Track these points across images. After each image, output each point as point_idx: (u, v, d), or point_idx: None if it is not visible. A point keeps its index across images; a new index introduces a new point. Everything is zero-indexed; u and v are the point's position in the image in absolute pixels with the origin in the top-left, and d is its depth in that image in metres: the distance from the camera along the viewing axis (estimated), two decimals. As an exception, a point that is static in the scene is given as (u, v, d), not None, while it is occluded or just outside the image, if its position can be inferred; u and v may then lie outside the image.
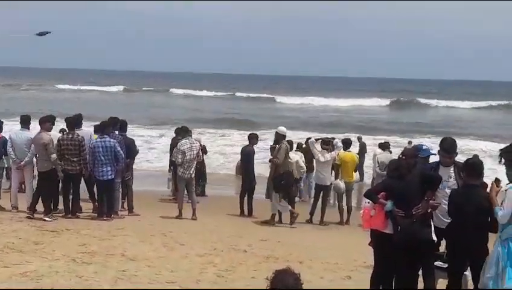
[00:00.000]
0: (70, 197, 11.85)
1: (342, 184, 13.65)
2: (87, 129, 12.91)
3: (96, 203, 12.08)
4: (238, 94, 64.57)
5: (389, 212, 6.86)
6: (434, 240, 6.84)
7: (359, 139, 21.16)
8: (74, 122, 12.07)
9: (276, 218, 13.08)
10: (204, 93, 65.30)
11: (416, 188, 6.78)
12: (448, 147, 7.22)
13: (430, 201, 6.84)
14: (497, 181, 6.57)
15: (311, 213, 13.58)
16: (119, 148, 11.74)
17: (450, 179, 7.12)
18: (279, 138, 13.34)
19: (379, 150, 16.43)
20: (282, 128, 13.71)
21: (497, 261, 6.19)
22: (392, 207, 6.82)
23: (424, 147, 8.12)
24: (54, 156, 11.33)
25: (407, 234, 6.69)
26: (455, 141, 7.46)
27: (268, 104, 54.90)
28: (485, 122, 42.13)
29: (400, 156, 7.43)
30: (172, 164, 14.40)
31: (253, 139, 14.49)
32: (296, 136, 21.39)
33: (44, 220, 11.13)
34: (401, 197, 6.79)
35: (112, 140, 11.76)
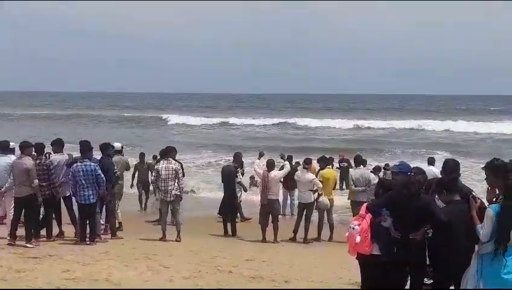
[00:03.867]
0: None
1: (327, 201, 13.71)
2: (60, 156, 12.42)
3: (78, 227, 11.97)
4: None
5: (383, 228, 6.79)
6: (427, 264, 6.79)
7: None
8: (42, 148, 11.90)
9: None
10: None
11: (422, 213, 6.54)
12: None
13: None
14: (474, 198, 6.63)
15: (295, 231, 13.61)
16: (99, 172, 11.66)
17: None
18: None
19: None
20: (116, 144, 14.33)
21: (474, 276, 6.27)
22: (390, 225, 6.74)
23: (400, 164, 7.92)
24: (36, 181, 11.19)
25: (402, 255, 6.63)
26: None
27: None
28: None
29: (409, 173, 6.80)
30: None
31: (237, 158, 14.54)
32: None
33: (26, 246, 10.99)
34: (403, 219, 6.62)
35: (92, 164, 11.68)
